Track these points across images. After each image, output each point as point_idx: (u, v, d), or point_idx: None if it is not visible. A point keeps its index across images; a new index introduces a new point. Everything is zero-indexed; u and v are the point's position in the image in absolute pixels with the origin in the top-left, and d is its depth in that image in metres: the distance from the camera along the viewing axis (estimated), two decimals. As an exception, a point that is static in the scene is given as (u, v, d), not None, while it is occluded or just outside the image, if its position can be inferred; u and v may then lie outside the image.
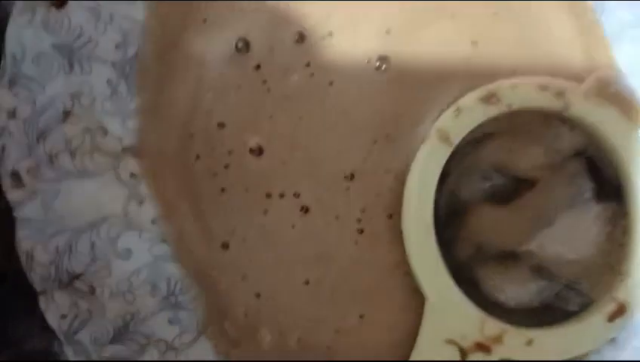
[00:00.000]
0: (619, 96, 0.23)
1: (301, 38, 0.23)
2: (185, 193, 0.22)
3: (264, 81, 0.23)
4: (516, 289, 0.23)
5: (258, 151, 0.22)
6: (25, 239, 0.19)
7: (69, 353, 0.18)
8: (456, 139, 0.22)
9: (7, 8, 0.19)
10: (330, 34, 0.23)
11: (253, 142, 0.22)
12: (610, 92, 0.23)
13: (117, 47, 0.21)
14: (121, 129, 0.21)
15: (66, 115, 0.20)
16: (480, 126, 0.23)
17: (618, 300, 0.22)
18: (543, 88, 0.22)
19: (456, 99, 0.23)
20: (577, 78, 0.23)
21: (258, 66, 0.23)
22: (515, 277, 0.24)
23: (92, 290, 0.19)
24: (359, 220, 0.23)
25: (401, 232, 0.22)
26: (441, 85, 0.23)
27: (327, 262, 0.23)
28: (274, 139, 0.22)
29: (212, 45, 0.22)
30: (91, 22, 0.20)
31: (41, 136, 0.19)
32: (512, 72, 0.23)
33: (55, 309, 0.19)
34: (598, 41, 0.24)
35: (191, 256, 0.22)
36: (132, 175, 0.21)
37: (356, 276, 0.23)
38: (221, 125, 0.22)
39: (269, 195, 0.22)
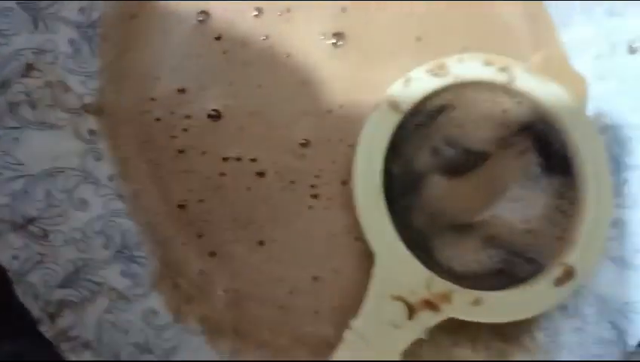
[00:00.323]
0: (562, 75, 0.24)
1: (260, 12, 0.24)
2: (143, 153, 0.23)
3: (224, 51, 0.24)
4: (468, 258, 0.24)
5: (216, 117, 0.23)
6: (-20, 181, 0.19)
7: (19, 292, 0.19)
8: (406, 107, 0.23)
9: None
10: (288, 9, 0.24)
11: (211, 107, 0.23)
12: (553, 70, 0.24)
13: (81, 10, 0.22)
14: (82, 87, 0.22)
15: (29, 68, 0.21)
16: (431, 99, 0.24)
17: (566, 265, 0.22)
18: (489, 62, 0.24)
19: (406, 72, 0.24)
20: (525, 58, 0.25)
21: (219, 37, 0.24)
22: (467, 246, 0.24)
23: (45, 235, 0.20)
24: (314, 186, 0.24)
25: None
26: (393, 60, 0.24)
27: (282, 225, 0.23)
28: (232, 106, 0.23)
29: (175, 15, 0.23)
30: (57, -16, 0.21)
31: (3, 85, 0.20)
32: (462, 50, 0.25)
33: (7, 249, 0.19)
34: (546, 23, 0.26)
35: (147, 215, 0.22)
36: (91, 131, 0.22)
37: (310, 239, 0.23)
38: (181, 90, 0.23)
39: (225, 159, 0.23)
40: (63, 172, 0.21)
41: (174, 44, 0.23)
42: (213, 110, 0.23)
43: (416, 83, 0.23)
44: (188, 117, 0.23)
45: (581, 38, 0.26)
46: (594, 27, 0.25)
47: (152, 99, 0.23)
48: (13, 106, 0.20)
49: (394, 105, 0.23)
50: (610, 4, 0.25)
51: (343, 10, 0.24)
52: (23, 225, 0.19)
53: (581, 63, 0.25)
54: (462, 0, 0.25)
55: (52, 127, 0.21)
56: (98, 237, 0.21)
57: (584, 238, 0.23)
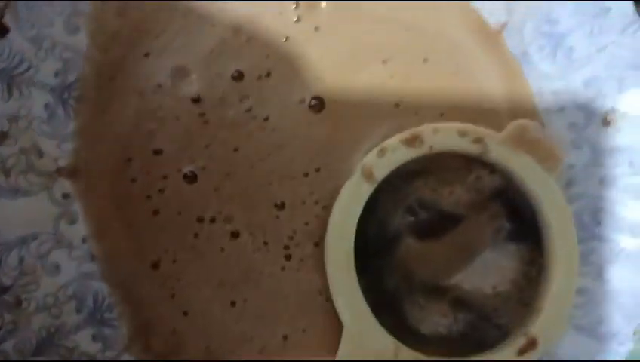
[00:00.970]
0: (537, 144, 0.25)
1: (240, 75, 0.24)
2: (118, 214, 0.23)
3: (202, 114, 0.24)
4: (436, 321, 0.25)
5: (192, 178, 0.24)
6: (-46, 253, 0.20)
7: (-9, 362, 0.19)
8: (380, 177, 0.23)
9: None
10: (268, 74, 0.24)
11: (188, 169, 0.24)
12: (528, 140, 0.24)
13: (56, 74, 0.22)
14: (57, 150, 0.22)
15: (3, 136, 0.21)
16: (407, 164, 0.24)
17: (529, 335, 0.23)
18: (463, 134, 0.24)
19: (384, 138, 0.24)
20: (500, 124, 0.25)
21: (197, 99, 0.24)
22: (436, 309, 0.25)
23: (19, 303, 0.20)
24: (287, 247, 0.24)
25: (325, 260, 0.24)
26: (370, 125, 0.25)
27: (254, 285, 0.24)
28: (208, 167, 0.24)
29: (153, 77, 0.23)
30: (32, 50, 0.21)
31: (-23, 157, 0.20)
32: (439, 116, 0.25)
33: (-20, 321, 0.20)
34: (522, 91, 0.26)
35: (120, 275, 0.23)
36: (65, 195, 0.22)
37: (281, 299, 0.24)
38: (158, 152, 0.23)
39: (200, 220, 0.24)
40: (36, 238, 0.21)
41: (152, 105, 0.23)
42: (189, 171, 0.24)
43: (391, 153, 0.23)
44: (164, 178, 0.23)
45: (558, 106, 0.26)
46: (571, 96, 0.25)
47: (129, 159, 0.23)
48: (-14, 176, 0.20)
49: (368, 175, 0.23)
50: (589, 75, 0.25)
51: (322, 73, 0.24)
52: (-4, 294, 0.20)
53: (557, 131, 0.26)
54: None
55: (26, 193, 0.21)
56: (70, 301, 0.22)
57: (549, 307, 0.23)
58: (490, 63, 0.25)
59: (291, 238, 0.24)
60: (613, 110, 0.25)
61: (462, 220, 0.25)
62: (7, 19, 0.20)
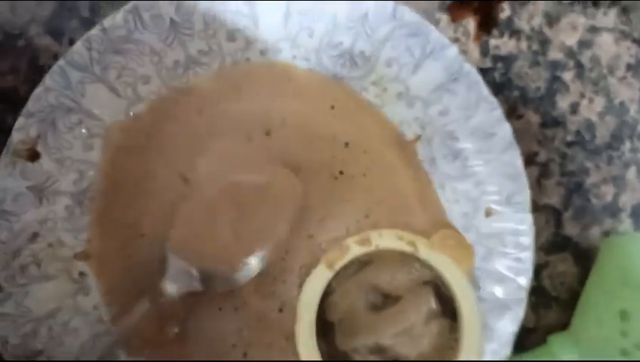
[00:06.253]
0: (455, 249, 0.31)
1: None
2: (124, 285, 0.29)
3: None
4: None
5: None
6: (1, 329, 0.26)
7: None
8: (339, 267, 0.30)
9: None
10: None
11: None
12: (449, 245, 0.31)
13: (74, 182, 0.28)
14: (74, 240, 0.28)
15: (35, 236, 0.27)
16: (359, 257, 0.31)
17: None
18: (400, 238, 0.30)
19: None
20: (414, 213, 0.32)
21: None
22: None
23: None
24: None
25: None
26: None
27: None
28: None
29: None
30: (56, 168, 0.27)
31: (16, 253, 0.26)
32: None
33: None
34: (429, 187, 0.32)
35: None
36: (81, 274, 0.28)
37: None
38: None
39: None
40: (60, 310, 0.28)
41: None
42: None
43: (349, 250, 0.30)
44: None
45: (454, 199, 0.32)
46: (465, 192, 0.32)
47: (125, 245, 0.29)
48: (23, 268, 0.26)
49: (330, 264, 0.30)
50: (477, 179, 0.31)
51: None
52: (33, 357, 0.26)
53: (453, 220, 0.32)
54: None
55: (52, 277, 0.27)
56: (85, 355, 0.28)
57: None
58: (404, 167, 0.32)
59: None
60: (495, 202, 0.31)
61: (400, 298, 0.31)
62: (39, 147, 0.26)
